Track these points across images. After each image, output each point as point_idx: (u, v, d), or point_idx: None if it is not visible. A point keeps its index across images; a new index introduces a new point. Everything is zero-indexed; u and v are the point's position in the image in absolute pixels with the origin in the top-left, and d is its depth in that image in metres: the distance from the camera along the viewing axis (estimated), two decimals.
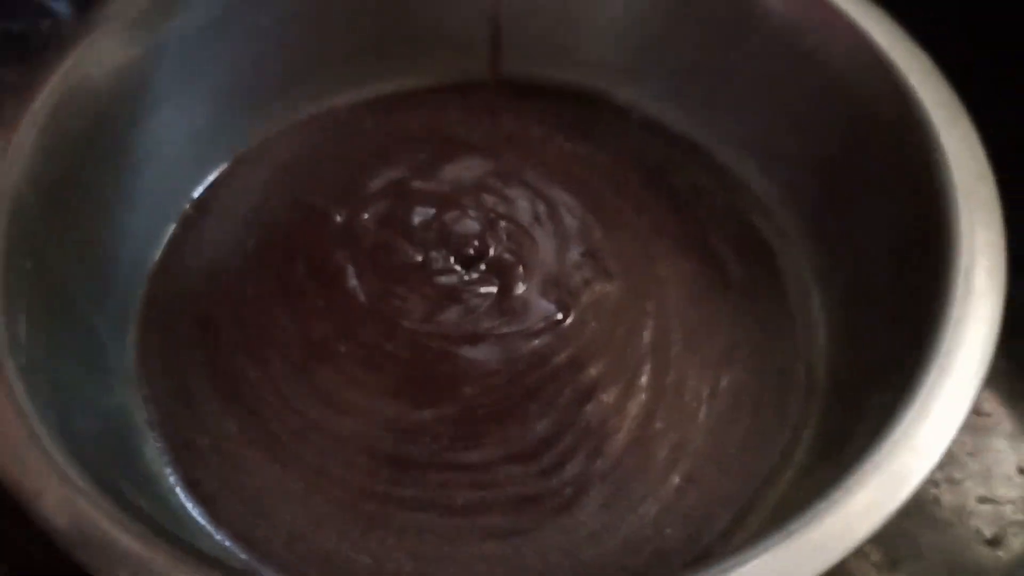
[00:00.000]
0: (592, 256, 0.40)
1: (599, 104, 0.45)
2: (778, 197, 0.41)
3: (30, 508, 0.27)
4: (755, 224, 0.41)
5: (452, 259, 0.40)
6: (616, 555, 0.34)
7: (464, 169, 0.43)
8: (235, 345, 0.38)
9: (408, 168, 0.43)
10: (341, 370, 0.37)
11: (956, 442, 0.37)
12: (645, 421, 0.36)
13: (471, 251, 0.40)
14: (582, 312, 0.39)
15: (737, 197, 0.42)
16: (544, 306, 0.39)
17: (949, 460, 0.37)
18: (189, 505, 0.35)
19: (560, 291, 0.39)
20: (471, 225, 0.41)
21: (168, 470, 0.35)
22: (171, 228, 0.41)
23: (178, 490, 0.35)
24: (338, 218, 0.41)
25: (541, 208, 0.42)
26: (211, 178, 0.43)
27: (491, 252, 0.40)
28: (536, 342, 0.38)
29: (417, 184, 0.43)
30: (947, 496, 0.37)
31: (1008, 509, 0.36)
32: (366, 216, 0.41)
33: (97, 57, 0.36)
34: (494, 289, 0.39)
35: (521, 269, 0.40)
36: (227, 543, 0.34)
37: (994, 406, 0.39)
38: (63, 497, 0.27)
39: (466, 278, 0.40)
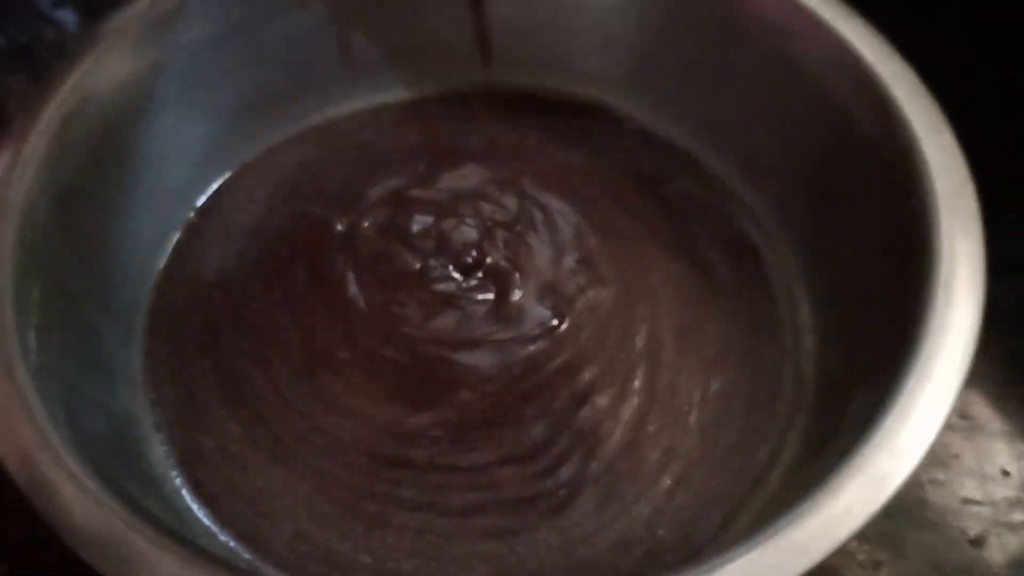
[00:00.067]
0: (587, 263, 0.41)
1: (593, 114, 0.45)
2: (766, 204, 0.42)
3: (43, 509, 0.27)
4: (744, 230, 0.42)
5: (450, 266, 0.40)
6: (609, 555, 0.34)
7: (461, 178, 0.43)
8: (239, 351, 0.39)
9: (407, 177, 0.43)
10: (342, 375, 0.38)
11: (941, 444, 0.38)
12: (638, 424, 0.37)
13: (469, 259, 0.40)
14: (577, 318, 0.39)
15: (727, 204, 0.42)
16: (540, 312, 0.39)
17: (934, 461, 0.38)
18: (194, 506, 0.35)
19: (556, 297, 0.40)
20: (469, 233, 0.41)
21: (174, 472, 0.36)
22: (176, 236, 0.42)
23: (183, 491, 0.35)
24: (339, 226, 0.42)
25: (537, 216, 0.42)
26: (214, 187, 0.43)
27: (488, 259, 0.40)
28: (532, 347, 0.38)
29: (416, 193, 0.43)
30: (932, 497, 0.37)
31: (992, 510, 0.37)
32: (366, 224, 0.42)
33: (103, 70, 0.37)
34: (491, 296, 0.40)
35: (518, 276, 0.40)
36: (231, 543, 0.34)
37: (979, 409, 0.39)
38: (75, 499, 0.27)
39: (464, 285, 0.40)
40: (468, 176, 0.44)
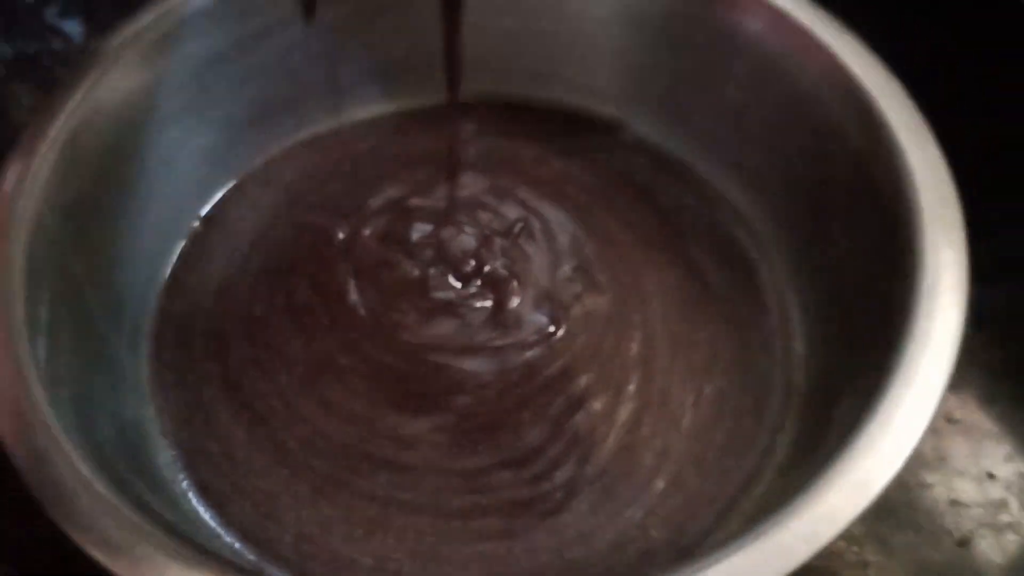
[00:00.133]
0: (583, 271, 0.41)
1: (589, 124, 0.46)
2: (758, 213, 0.42)
3: (55, 512, 0.28)
4: (736, 238, 0.42)
5: (449, 274, 0.41)
6: (603, 555, 0.34)
7: (460, 187, 0.44)
8: (243, 357, 0.39)
9: (407, 186, 0.44)
10: (344, 381, 0.38)
11: (929, 446, 0.39)
12: (632, 428, 0.37)
13: (467, 267, 0.41)
14: (573, 325, 0.40)
15: (719, 213, 0.43)
16: (537, 319, 0.40)
17: (922, 464, 0.38)
18: (201, 508, 0.36)
19: (552, 305, 0.40)
20: (467, 241, 0.42)
21: (181, 475, 0.36)
22: (181, 245, 0.42)
23: (190, 494, 0.36)
24: (340, 235, 0.42)
25: (534, 224, 0.43)
26: (219, 196, 0.44)
27: (487, 267, 0.41)
28: (529, 354, 0.39)
29: (415, 202, 0.43)
30: (920, 499, 0.38)
31: (977, 512, 0.37)
32: (367, 233, 0.42)
33: (110, 84, 0.37)
34: (489, 303, 0.40)
35: (515, 284, 0.41)
36: (237, 544, 0.35)
37: (967, 412, 0.40)
38: (87, 502, 0.28)
39: (463, 292, 0.40)
40: (467, 185, 0.44)
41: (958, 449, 0.39)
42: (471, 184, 0.44)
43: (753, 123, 0.41)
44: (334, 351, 0.39)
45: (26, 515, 0.28)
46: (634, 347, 0.39)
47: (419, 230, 0.42)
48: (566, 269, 0.42)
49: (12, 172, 0.35)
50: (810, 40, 0.38)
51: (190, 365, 0.39)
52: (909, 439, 0.29)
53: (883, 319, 0.32)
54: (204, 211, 0.44)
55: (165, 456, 0.37)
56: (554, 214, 0.43)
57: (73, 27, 0.52)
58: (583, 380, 0.38)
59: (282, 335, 0.40)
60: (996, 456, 0.39)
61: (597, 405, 0.38)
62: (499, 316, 0.40)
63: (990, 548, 0.37)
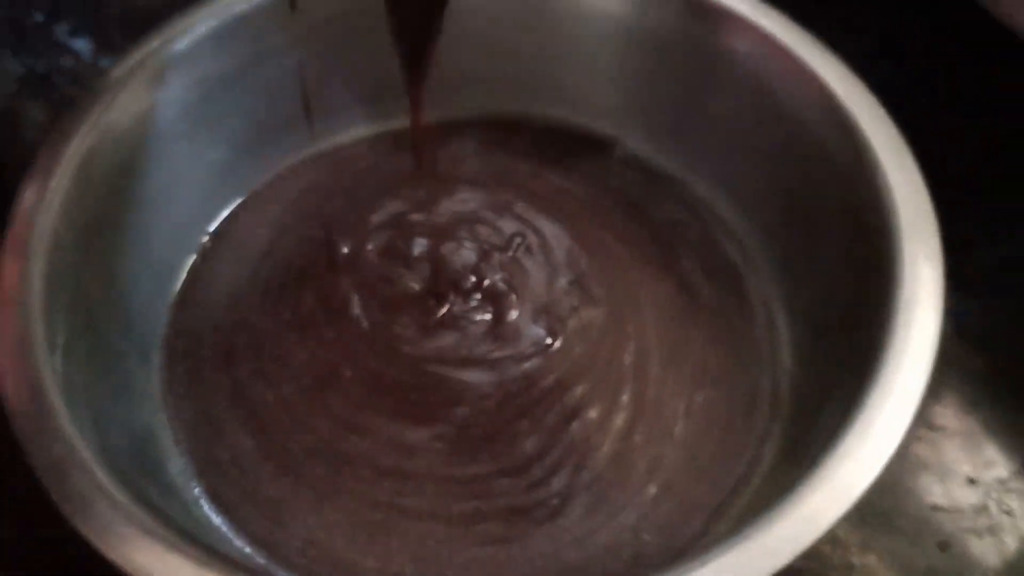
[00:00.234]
0: (578, 284, 0.42)
1: (584, 141, 0.47)
2: (746, 228, 0.43)
3: (74, 518, 0.29)
4: (726, 253, 0.43)
5: (450, 288, 0.42)
6: (598, 559, 0.35)
7: (460, 203, 0.45)
8: (251, 369, 0.40)
9: (408, 202, 0.45)
10: (347, 393, 0.39)
11: (911, 453, 0.40)
12: (626, 436, 0.38)
13: (467, 281, 0.42)
14: (569, 336, 0.40)
15: (710, 228, 0.44)
16: (535, 331, 0.41)
17: (905, 469, 0.39)
18: (212, 514, 0.36)
19: (549, 317, 0.41)
20: (467, 256, 0.43)
21: (192, 483, 0.37)
22: (191, 260, 0.43)
23: (202, 501, 0.37)
24: (344, 250, 0.43)
25: (532, 239, 0.43)
26: (227, 212, 0.45)
27: (486, 281, 0.42)
28: (526, 365, 0.40)
29: (416, 217, 0.44)
30: (902, 503, 0.38)
31: (959, 517, 0.38)
32: (369, 248, 0.43)
33: (120, 107, 0.38)
34: (488, 316, 0.41)
35: (514, 297, 0.41)
36: (247, 549, 0.35)
37: (948, 419, 0.40)
38: (105, 508, 0.29)
39: (462, 306, 0.41)
40: (466, 201, 0.45)
41: (940, 455, 0.39)
42: (470, 199, 0.45)
43: (742, 141, 0.42)
44: (338, 363, 0.40)
45: (30, 520, 0.29)
46: (628, 358, 0.40)
47: (420, 245, 0.43)
48: (562, 282, 0.42)
49: (30, 193, 0.36)
50: (796, 63, 0.39)
51: (200, 377, 0.40)
52: (888, 445, 0.30)
53: (864, 330, 0.33)
54: (213, 227, 0.44)
55: (177, 464, 0.38)
56: (550, 228, 0.44)
57: (83, 45, 0.53)
58: (579, 390, 0.39)
59: (288, 347, 0.40)
60: (977, 461, 0.39)
61: (592, 414, 0.39)
62: (498, 329, 0.41)
63: (971, 552, 0.37)
